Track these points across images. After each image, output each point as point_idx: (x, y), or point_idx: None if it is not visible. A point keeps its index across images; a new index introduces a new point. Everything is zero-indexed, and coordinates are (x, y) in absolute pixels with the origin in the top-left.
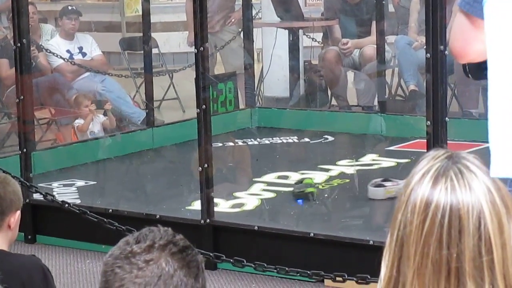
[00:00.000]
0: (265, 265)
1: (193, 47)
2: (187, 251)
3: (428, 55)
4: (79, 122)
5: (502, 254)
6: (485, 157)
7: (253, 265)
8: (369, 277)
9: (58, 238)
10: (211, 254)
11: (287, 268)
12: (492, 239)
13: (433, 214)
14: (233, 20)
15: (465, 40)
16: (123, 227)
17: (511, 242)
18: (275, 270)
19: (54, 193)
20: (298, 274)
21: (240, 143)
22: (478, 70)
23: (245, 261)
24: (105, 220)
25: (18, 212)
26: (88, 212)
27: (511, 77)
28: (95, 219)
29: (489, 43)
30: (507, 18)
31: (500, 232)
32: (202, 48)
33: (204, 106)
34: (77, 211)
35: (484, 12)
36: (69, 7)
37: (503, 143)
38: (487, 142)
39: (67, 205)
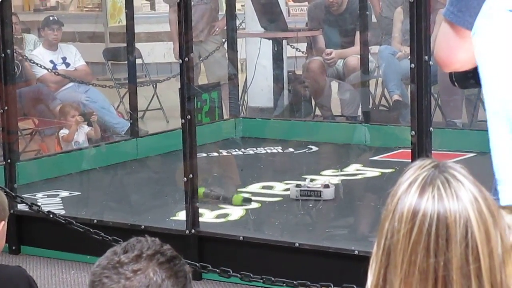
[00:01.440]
0: (251, 275)
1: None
2: (175, 261)
3: (413, 65)
4: (64, 132)
5: (489, 263)
6: (469, 166)
7: (239, 275)
8: (355, 287)
9: (43, 249)
10: (197, 264)
11: (273, 278)
12: (479, 247)
13: (420, 222)
14: (217, 29)
15: (450, 49)
16: (109, 237)
17: (498, 250)
18: (261, 280)
19: (39, 204)
20: (285, 284)
21: (225, 154)
22: (464, 79)
23: (231, 271)
24: (91, 230)
25: (3, 223)
26: (74, 222)
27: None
28: (82, 230)
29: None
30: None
31: (487, 240)
32: (187, 59)
33: (189, 117)
34: (63, 222)
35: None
36: (51, 18)
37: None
38: (471, 151)
39: (52, 215)
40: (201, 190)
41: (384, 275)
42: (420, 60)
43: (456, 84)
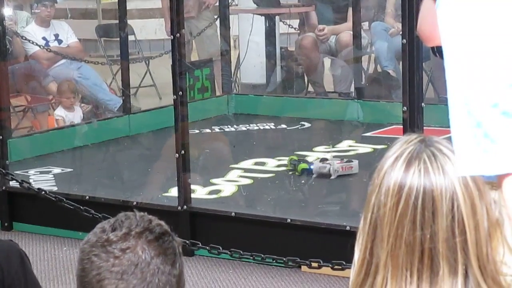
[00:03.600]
0: (241, 252)
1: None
2: (164, 238)
3: (404, 40)
4: (60, 115)
5: (475, 235)
6: None
7: (228, 252)
8: (344, 263)
9: (35, 225)
10: (187, 242)
11: (263, 255)
12: (465, 220)
13: (406, 196)
14: (207, 4)
15: (433, 24)
16: (99, 215)
17: (484, 224)
18: (251, 257)
19: (31, 181)
20: (274, 261)
21: (217, 130)
22: None
23: (221, 248)
24: (81, 207)
25: None
26: (65, 200)
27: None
28: (72, 207)
29: (446, 48)
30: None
31: (473, 213)
32: (178, 35)
33: (180, 93)
34: (53, 199)
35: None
36: None
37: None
38: None
39: (43, 192)
40: (301, 166)
41: (371, 248)
42: (412, 36)
43: (437, 55)
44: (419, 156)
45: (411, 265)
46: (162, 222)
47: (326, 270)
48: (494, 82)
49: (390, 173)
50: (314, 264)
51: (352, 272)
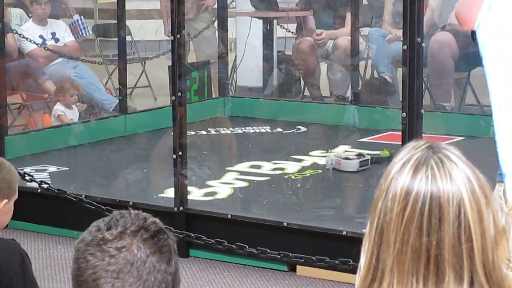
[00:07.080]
0: (247, 246)
1: (170, 35)
2: (159, 236)
3: (405, 47)
4: (61, 110)
5: (481, 242)
6: (460, 149)
7: (234, 247)
8: (351, 261)
9: (30, 223)
10: (192, 235)
11: (268, 250)
12: (472, 227)
13: (413, 201)
14: (206, 6)
15: (470, 8)
16: (102, 207)
17: (491, 231)
18: (256, 251)
19: (27, 178)
20: (280, 256)
21: (213, 132)
22: None
23: (226, 242)
24: (84, 200)
25: (5, 201)
26: (67, 192)
27: None
28: (75, 199)
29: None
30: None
31: (479, 220)
32: (178, 36)
33: (179, 94)
34: (56, 192)
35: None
36: None
37: None
38: (459, 135)
39: (44, 184)
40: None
41: (377, 254)
42: (412, 42)
43: (475, 41)
44: (427, 162)
45: (417, 271)
46: (157, 220)
47: (322, 274)
48: None
49: (397, 178)
50: (320, 263)
51: (358, 277)
